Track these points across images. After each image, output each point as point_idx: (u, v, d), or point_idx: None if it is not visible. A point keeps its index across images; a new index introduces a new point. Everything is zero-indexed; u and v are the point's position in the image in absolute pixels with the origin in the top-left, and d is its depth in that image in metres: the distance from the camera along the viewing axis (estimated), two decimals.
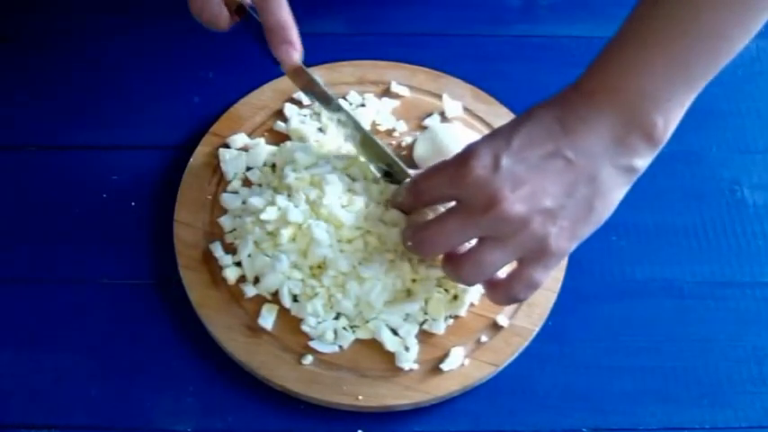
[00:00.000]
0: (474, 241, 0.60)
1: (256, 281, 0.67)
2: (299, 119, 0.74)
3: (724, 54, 0.57)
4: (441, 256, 0.63)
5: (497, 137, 0.58)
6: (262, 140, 0.73)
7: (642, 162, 0.58)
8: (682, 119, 0.77)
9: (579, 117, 0.57)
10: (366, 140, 0.68)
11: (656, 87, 0.56)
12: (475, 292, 0.67)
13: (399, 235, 0.65)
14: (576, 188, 0.57)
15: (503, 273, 0.61)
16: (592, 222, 0.58)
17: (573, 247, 0.59)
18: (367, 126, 0.74)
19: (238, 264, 0.68)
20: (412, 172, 0.66)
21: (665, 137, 0.58)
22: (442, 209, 0.63)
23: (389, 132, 0.74)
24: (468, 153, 0.58)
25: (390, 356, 0.64)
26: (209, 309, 0.66)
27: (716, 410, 0.65)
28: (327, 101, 0.69)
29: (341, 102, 0.69)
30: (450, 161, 0.60)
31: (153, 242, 0.70)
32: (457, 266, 0.60)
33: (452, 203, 0.60)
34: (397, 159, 0.67)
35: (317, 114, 0.75)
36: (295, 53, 0.65)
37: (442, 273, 0.66)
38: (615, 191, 0.58)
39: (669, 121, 0.57)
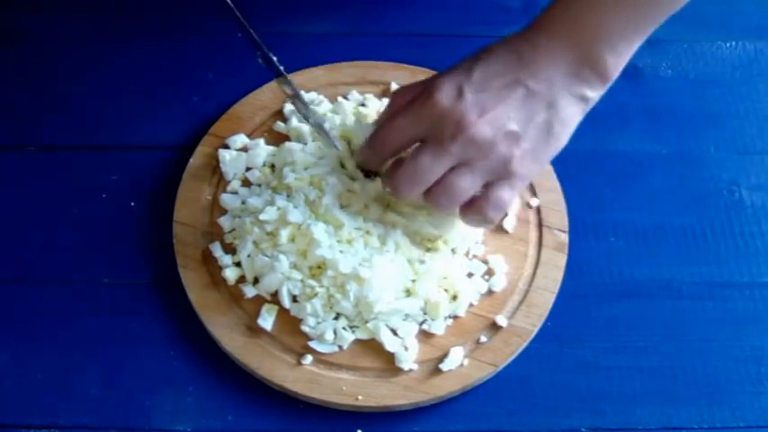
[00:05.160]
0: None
1: (256, 281, 0.67)
2: (298, 119, 0.75)
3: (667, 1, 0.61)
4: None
5: (457, 71, 0.61)
6: (261, 141, 0.73)
7: (594, 94, 0.62)
8: (681, 120, 0.78)
9: (537, 51, 0.61)
10: (342, 154, 0.69)
11: (607, 28, 0.60)
12: (474, 293, 0.67)
13: (398, 233, 0.66)
14: (536, 113, 0.60)
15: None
16: (551, 146, 0.62)
17: (535, 170, 0.63)
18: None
19: (238, 264, 0.68)
20: None
21: (615, 74, 0.62)
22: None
23: None
24: (431, 89, 0.61)
25: (390, 356, 0.65)
26: (209, 309, 0.66)
27: (714, 410, 0.65)
28: (307, 116, 0.70)
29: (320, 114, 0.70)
30: (411, 102, 0.62)
31: (152, 242, 0.71)
32: (431, 196, 0.63)
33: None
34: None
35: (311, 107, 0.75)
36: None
37: (442, 272, 0.67)
38: (572, 117, 0.62)
39: (619, 60, 0.61)
